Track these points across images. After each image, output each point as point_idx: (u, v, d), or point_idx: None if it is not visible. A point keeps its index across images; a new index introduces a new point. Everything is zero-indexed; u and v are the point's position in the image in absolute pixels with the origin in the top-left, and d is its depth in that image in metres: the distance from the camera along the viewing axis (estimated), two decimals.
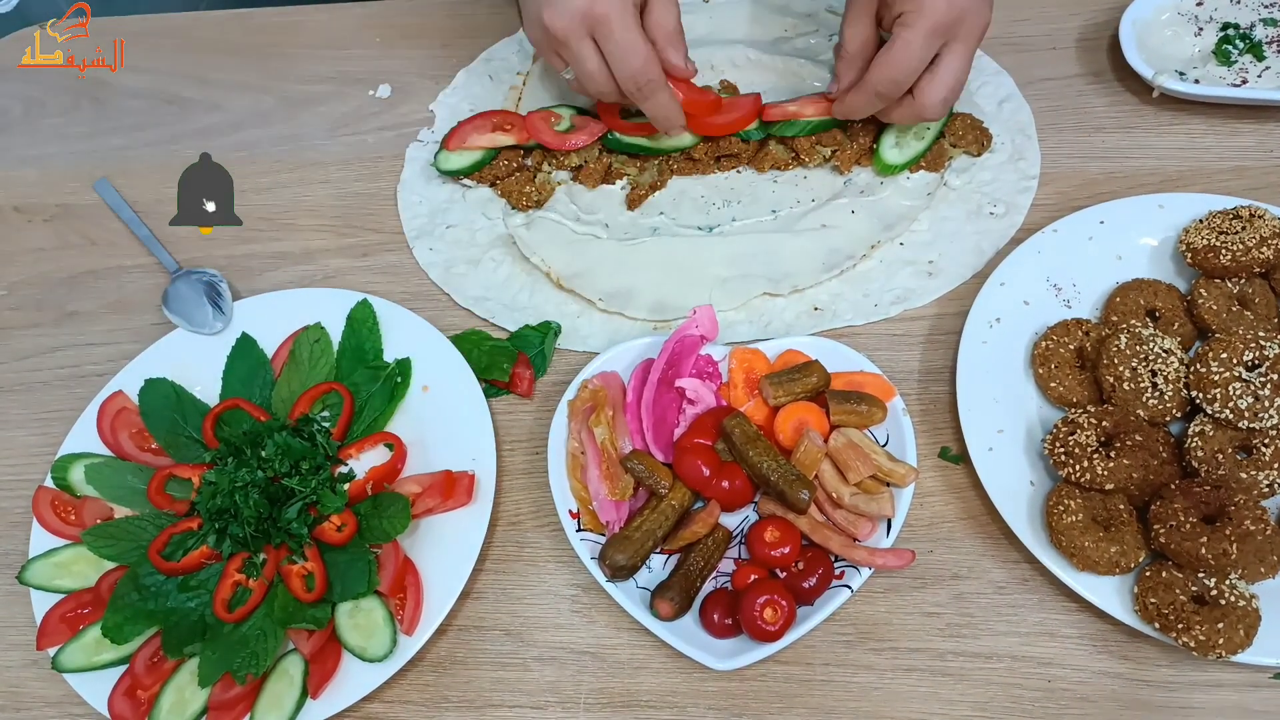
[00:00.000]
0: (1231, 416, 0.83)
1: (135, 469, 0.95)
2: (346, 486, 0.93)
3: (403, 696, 0.87)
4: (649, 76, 0.97)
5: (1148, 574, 0.81)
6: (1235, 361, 0.85)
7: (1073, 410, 0.87)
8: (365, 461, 0.95)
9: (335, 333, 1.02)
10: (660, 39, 0.99)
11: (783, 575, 0.84)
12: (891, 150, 1.08)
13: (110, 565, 0.91)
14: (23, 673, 0.91)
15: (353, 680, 0.84)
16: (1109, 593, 0.82)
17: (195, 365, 1.01)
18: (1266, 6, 1.13)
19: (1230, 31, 1.11)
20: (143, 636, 0.86)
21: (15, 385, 1.08)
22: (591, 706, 0.85)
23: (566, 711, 0.85)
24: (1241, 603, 0.78)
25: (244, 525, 0.88)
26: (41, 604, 0.90)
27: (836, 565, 0.85)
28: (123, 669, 0.86)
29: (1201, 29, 1.13)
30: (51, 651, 0.87)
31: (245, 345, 1.02)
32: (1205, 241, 0.93)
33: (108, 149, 1.26)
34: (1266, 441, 0.84)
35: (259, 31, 1.34)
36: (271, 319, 1.03)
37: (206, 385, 1.00)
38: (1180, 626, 0.77)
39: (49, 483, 0.95)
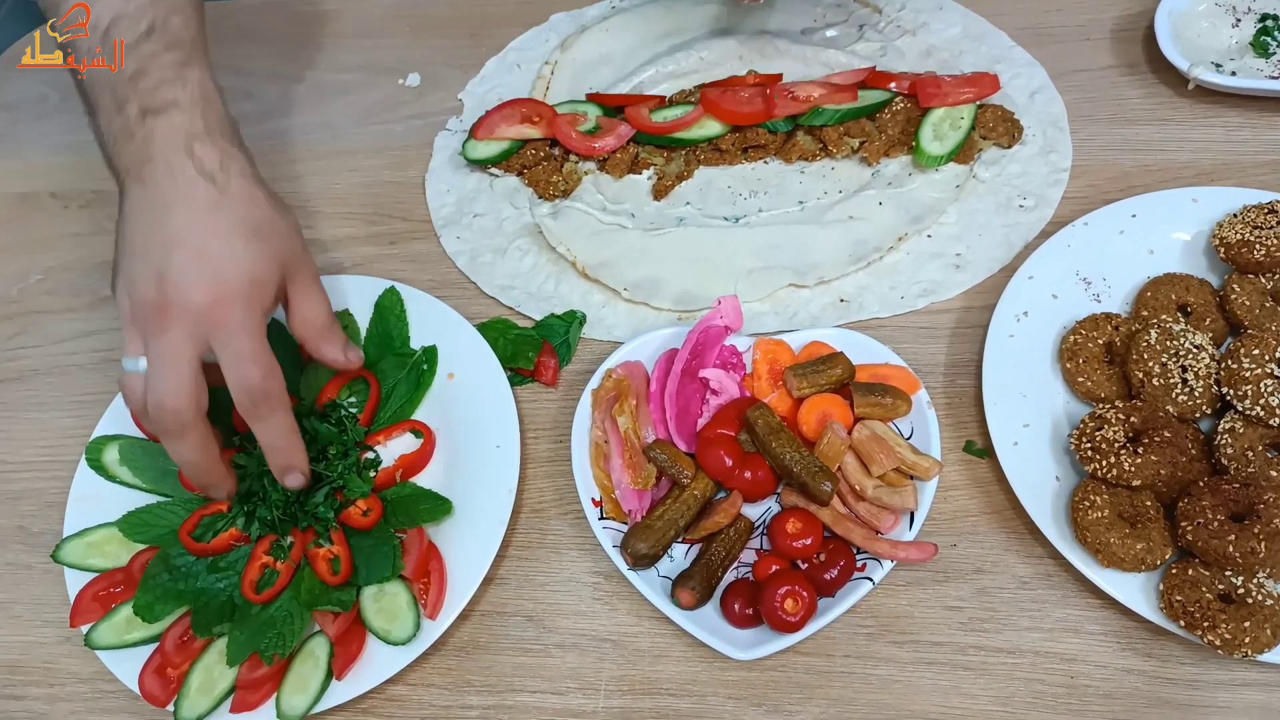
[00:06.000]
0: (1262, 413, 0.82)
1: (167, 451, 0.97)
2: (373, 473, 0.94)
3: (425, 680, 0.88)
4: (268, 391, 0.82)
5: (1174, 571, 0.80)
6: (1267, 358, 0.84)
7: (1100, 405, 0.86)
8: (393, 449, 0.96)
9: (362, 319, 1.03)
10: (312, 334, 0.89)
11: (804, 566, 0.84)
12: (932, 143, 1.07)
13: (141, 546, 0.92)
14: (56, 649, 0.93)
15: (377, 663, 0.85)
16: (1134, 589, 0.81)
17: None
18: None
19: (1269, 23, 1.10)
20: (173, 616, 0.88)
21: (51, 368, 1.10)
22: (612, 693, 0.85)
23: (587, 698, 0.85)
24: (1269, 601, 0.77)
25: (272, 509, 0.90)
26: (75, 582, 0.91)
27: (858, 557, 0.85)
28: (153, 647, 0.87)
29: (1239, 20, 1.11)
30: (84, 629, 0.89)
31: (274, 330, 1.02)
32: (1239, 236, 0.92)
33: None
34: None
35: (291, 21, 1.36)
36: None
37: None
38: (1206, 624, 0.76)
39: (83, 464, 0.97)
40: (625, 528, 0.87)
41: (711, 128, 1.12)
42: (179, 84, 0.85)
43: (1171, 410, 0.86)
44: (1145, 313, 0.92)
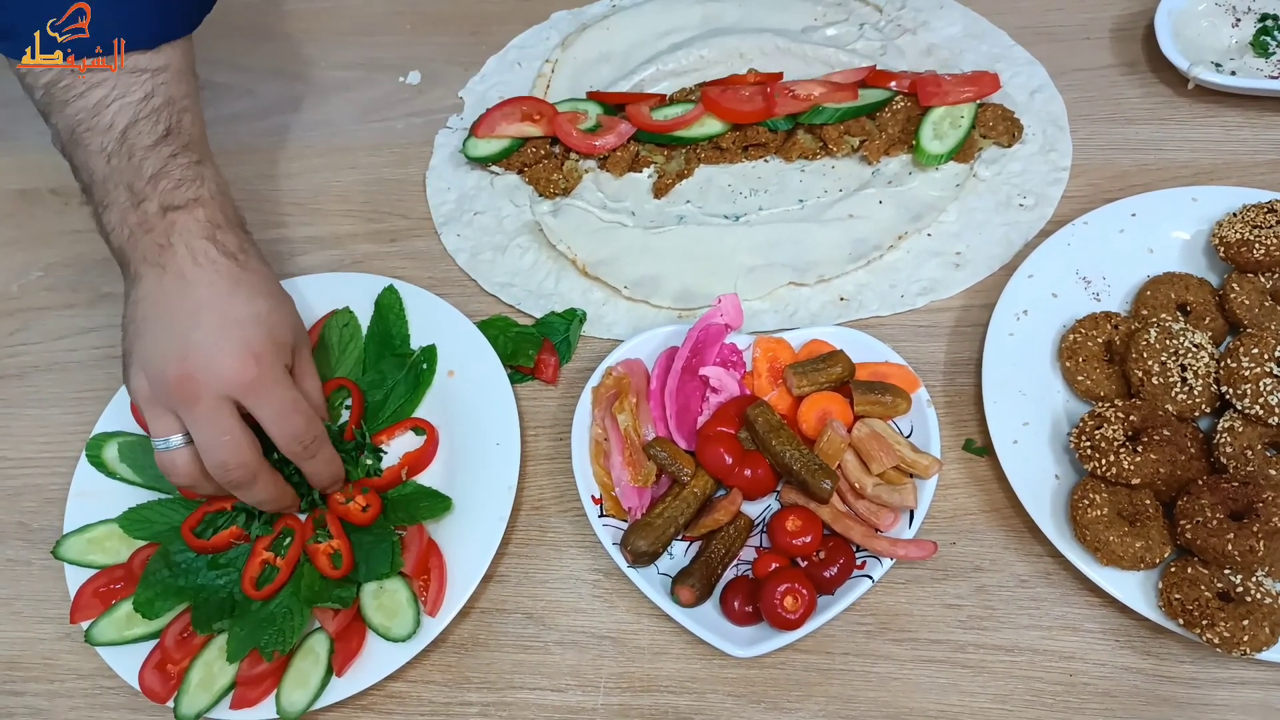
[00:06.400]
0: (1261, 412, 0.83)
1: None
2: (367, 471, 0.94)
3: (425, 676, 0.88)
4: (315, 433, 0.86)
5: (1173, 569, 0.80)
6: (1266, 357, 0.84)
7: (1100, 404, 0.86)
8: (396, 447, 0.96)
9: (363, 317, 1.03)
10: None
11: (804, 564, 0.85)
12: (932, 142, 1.07)
13: (141, 542, 0.92)
14: (56, 645, 0.93)
15: (377, 659, 0.85)
16: (1133, 588, 0.81)
17: None
18: None
19: (1269, 22, 1.10)
20: (173, 612, 0.88)
21: (51, 365, 1.10)
22: (611, 690, 0.85)
23: (586, 695, 0.85)
24: (1268, 600, 0.77)
25: None
26: (75, 579, 0.91)
27: (858, 555, 0.85)
28: (153, 643, 0.88)
29: (1239, 20, 1.12)
30: (84, 625, 0.89)
31: None
32: (1238, 235, 0.92)
33: None
34: None
35: (291, 17, 1.36)
36: (301, 303, 1.03)
37: None
38: (1205, 623, 0.76)
39: (83, 460, 0.97)
40: (625, 525, 0.88)
41: (712, 126, 1.12)
42: (198, 182, 0.87)
43: (1171, 409, 0.86)
44: (1145, 311, 0.92)
